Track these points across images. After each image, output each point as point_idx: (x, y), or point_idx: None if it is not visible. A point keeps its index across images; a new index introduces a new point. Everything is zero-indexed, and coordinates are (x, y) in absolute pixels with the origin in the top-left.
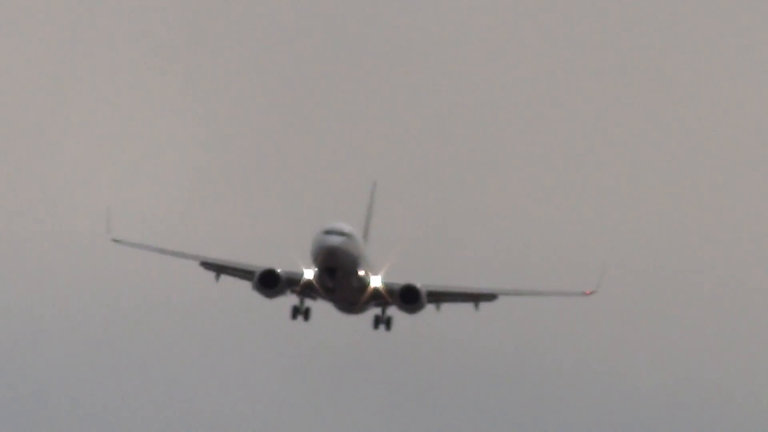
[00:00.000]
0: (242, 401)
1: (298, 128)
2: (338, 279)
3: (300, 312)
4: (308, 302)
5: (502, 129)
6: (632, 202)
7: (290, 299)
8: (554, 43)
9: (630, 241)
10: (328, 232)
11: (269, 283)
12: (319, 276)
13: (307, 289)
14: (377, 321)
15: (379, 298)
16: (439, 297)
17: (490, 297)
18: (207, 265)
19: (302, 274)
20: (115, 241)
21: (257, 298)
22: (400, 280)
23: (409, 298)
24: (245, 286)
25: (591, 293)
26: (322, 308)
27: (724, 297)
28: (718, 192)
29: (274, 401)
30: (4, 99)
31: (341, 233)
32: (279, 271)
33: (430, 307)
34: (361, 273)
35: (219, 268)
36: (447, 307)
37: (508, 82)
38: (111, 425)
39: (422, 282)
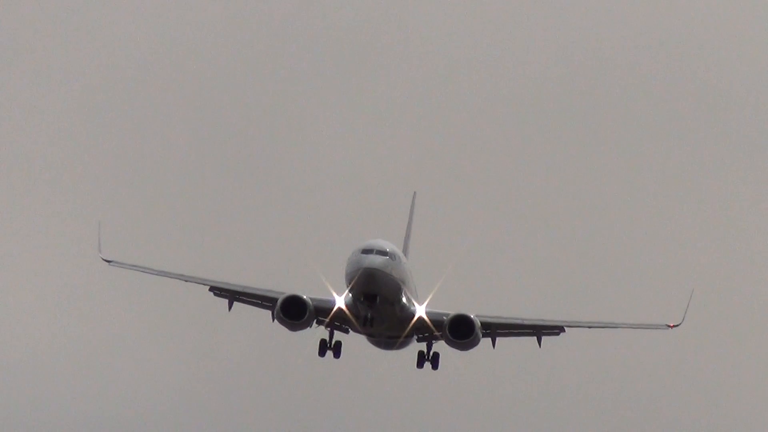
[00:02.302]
0: None
1: (323, 130)
2: (378, 307)
3: (329, 347)
4: (339, 335)
5: (577, 140)
6: (712, 232)
7: (317, 332)
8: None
9: (710, 273)
10: (367, 251)
11: (294, 312)
12: (354, 304)
13: (338, 320)
14: (422, 358)
15: (424, 330)
16: (494, 330)
17: (555, 330)
18: (218, 290)
19: (333, 302)
20: (107, 261)
21: (279, 331)
22: (449, 309)
23: (460, 331)
24: (264, 317)
25: (675, 326)
26: (355, 343)
27: None
28: None
29: None
30: None
31: (383, 252)
32: (305, 298)
33: (484, 342)
34: (405, 300)
35: (233, 295)
36: (504, 342)
37: (563, 99)
38: None
39: (474, 312)
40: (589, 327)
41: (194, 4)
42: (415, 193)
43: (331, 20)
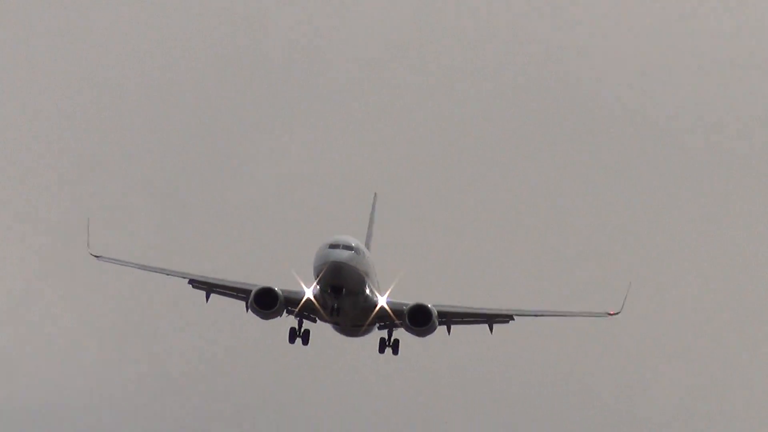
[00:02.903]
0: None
1: (293, 136)
2: (344, 298)
3: (298, 335)
4: (307, 324)
5: (522, 136)
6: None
7: (287, 321)
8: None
9: (647, 266)
10: (334, 246)
11: (266, 303)
12: (321, 295)
13: (307, 310)
14: (383, 344)
15: (385, 319)
16: (450, 318)
17: (505, 318)
18: (196, 283)
19: (302, 293)
20: (95, 257)
21: (251, 320)
22: (408, 299)
23: (419, 319)
24: (238, 307)
25: (615, 314)
26: (322, 331)
27: (744, 318)
28: (746, 208)
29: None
30: None
31: (348, 247)
32: (276, 289)
33: (440, 330)
34: (368, 292)
35: (209, 287)
36: (458, 330)
37: (521, 87)
38: None
39: (431, 302)
40: (536, 315)
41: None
42: (375, 193)
43: (292, 20)
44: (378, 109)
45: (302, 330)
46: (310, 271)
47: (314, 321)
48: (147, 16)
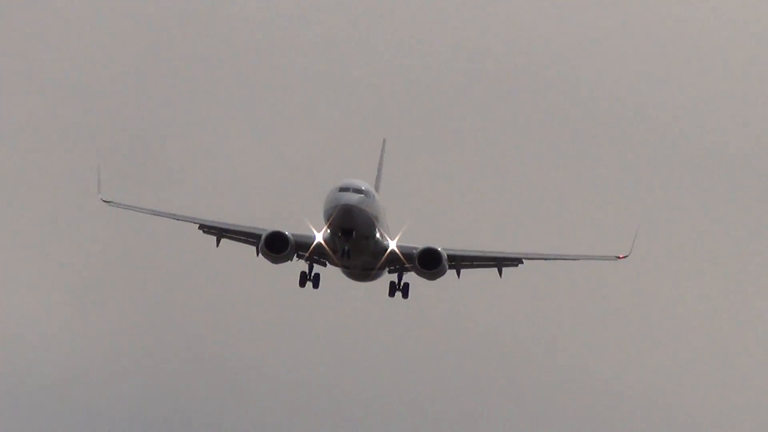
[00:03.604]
0: (253, 375)
1: (303, 85)
2: (354, 241)
3: (309, 279)
4: (317, 268)
5: (533, 81)
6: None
7: (297, 265)
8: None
9: (654, 211)
10: (344, 189)
11: (276, 247)
12: (332, 238)
13: (317, 254)
14: (393, 288)
15: (395, 262)
16: (459, 262)
17: (514, 261)
18: (206, 228)
19: (313, 237)
20: (106, 202)
21: (262, 264)
22: (418, 243)
23: (429, 262)
24: (249, 252)
25: (624, 258)
26: (332, 275)
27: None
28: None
29: (285, 374)
30: None
31: (358, 190)
32: (287, 233)
33: (449, 273)
34: (378, 235)
35: (220, 232)
36: (468, 274)
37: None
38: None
39: (441, 245)
40: (545, 259)
41: None
42: (384, 139)
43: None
44: (384, 57)
45: (313, 274)
46: (320, 216)
47: (324, 265)
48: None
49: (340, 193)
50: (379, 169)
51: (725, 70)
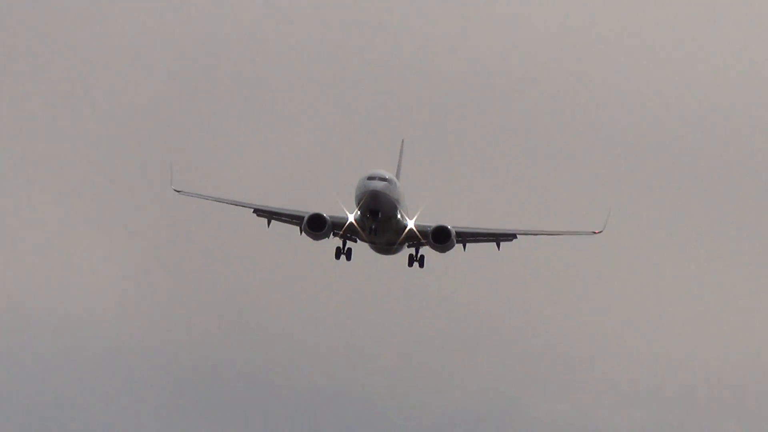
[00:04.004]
0: (301, 328)
1: (335, 103)
2: (380, 221)
3: (343, 252)
4: (349, 244)
5: (515, 75)
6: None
7: (333, 242)
8: None
9: (625, 190)
10: (371, 178)
11: (317, 226)
12: (361, 218)
13: (349, 232)
14: (411, 259)
15: (413, 239)
16: (465, 237)
17: (510, 237)
18: (260, 212)
19: (346, 218)
20: (177, 191)
21: (304, 241)
22: (431, 222)
23: (441, 237)
24: (293, 231)
25: (599, 233)
26: (361, 250)
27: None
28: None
29: (327, 328)
30: None
31: (383, 178)
32: (325, 215)
33: (457, 247)
34: (399, 216)
35: (270, 215)
36: (472, 247)
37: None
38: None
39: (451, 224)
40: (535, 234)
41: None
42: (403, 140)
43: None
44: (398, 73)
45: (346, 248)
46: (352, 201)
47: (355, 241)
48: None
49: (368, 180)
50: (399, 163)
51: (688, 60)
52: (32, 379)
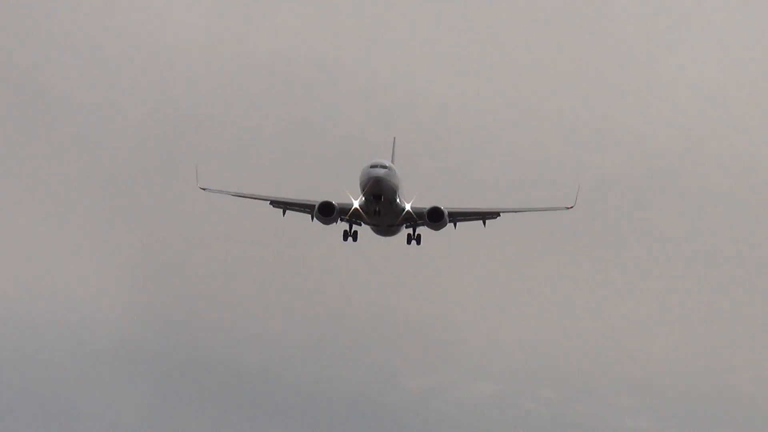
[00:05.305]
0: (318, 297)
1: (333, 106)
2: (382, 204)
3: (350, 234)
4: (355, 227)
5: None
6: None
7: (340, 226)
8: None
9: (596, 164)
10: (374, 166)
11: (326, 212)
12: (366, 203)
13: (354, 216)
14: (409, 238)
15: (410, 220)
16: (455, 216)
17: (494, 215)
18: (276, 203)
19: (351, 204)
20: (203, 189)
21: (315, 226)
22: (426, 204)
23: (435, 217)
24: (305, 219)
25: (571, 208)
26: (365, 232)
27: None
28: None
29: (338, 297)
30: None
31: (384, 166)
32: (333, 202)
33: (448, 225)
34: (398, 200)
35: (285, 205)
36: (461, 225)
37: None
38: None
39: (443, 205)
40: (515, 211)
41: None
42: (394, 138)
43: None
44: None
45: (352, 231)
46: (357, 189)
47: (359, 225)
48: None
49: (371, 168)
50: (392, 157)
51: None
52: (71, 376)
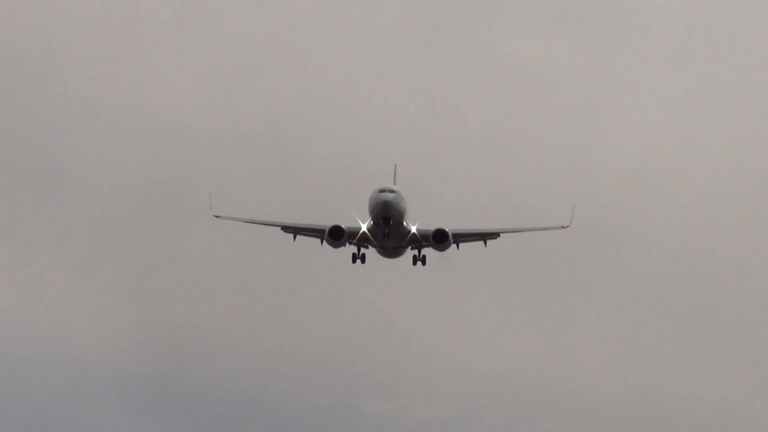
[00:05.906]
0: (329, 314)
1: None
2: (390, 226)
3: (358, 257)
4: (363, 250)
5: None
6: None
7: (349, 249)
8: None
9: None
10: (382, 191)
11: (336, 235)
12: (374, 225)
13: (362, 239)
14: (415, 259)
15: (416, 241)
16: (458, 238)
17: (494, 235)
18: (287, 228)
19: (360, 228)
20: (216, 216)
21: (325, 250)
22: (431, 226)
23: (440, 238)
24: (315, 243)
25: (566, 227)
26: (373, 255)
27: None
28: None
29: (348, 315)
30: None
31: (392, 191)
32: (343, 226)
33: (453, 246)
34: (405, 223)
35: (296, 230)
36: (464, 246)
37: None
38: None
39: (447, 227)
40: (514, 231)
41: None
42: (395, 164)
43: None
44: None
45: (360, 253)
46: (365, 214)
47: (367, 248)
48: None
49: (380, 193)
50: (394, 182)
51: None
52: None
